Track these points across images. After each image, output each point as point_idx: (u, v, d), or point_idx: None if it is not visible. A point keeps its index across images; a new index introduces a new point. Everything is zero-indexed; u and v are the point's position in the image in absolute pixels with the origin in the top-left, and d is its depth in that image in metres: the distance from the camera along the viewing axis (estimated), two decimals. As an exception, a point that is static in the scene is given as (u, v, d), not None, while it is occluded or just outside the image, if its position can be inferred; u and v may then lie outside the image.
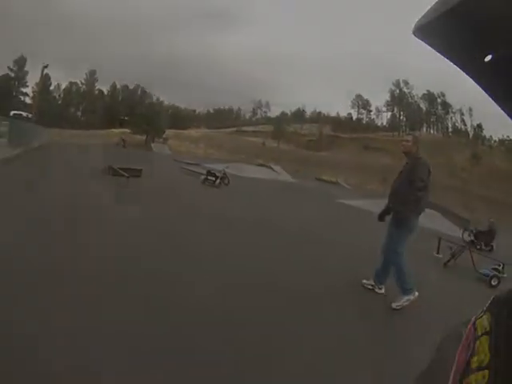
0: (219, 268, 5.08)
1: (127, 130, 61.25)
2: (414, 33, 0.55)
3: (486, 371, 0.51)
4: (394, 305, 4.83)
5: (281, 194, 21.27)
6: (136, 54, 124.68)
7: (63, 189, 9.15)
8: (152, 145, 53.25)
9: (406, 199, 4.79)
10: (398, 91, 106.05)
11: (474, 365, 0.54)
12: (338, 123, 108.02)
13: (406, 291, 4.86)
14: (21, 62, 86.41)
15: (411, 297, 4.84)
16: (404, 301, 4.82)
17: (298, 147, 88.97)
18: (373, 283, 5.27)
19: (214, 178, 17.18)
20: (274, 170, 39.30)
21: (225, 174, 17.98)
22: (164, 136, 62.40)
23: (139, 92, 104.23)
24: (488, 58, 0.54)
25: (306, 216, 12.98)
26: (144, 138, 56.96)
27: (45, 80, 67.21)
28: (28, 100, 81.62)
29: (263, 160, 46.58)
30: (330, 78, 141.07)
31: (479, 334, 0.58)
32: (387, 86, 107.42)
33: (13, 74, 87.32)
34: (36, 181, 9.77)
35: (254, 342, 3.19)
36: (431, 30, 0.55)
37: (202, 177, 17.52)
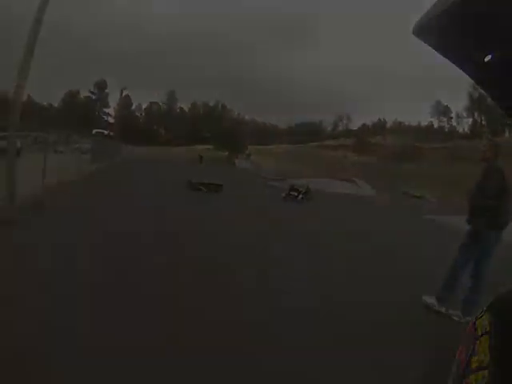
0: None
1: (210, 147, 63.44)
2: (414, 32, 0.53)
3: (486, 371, 0.50)
4: (455, 314, 4.39)
5: (365, 209, 20.76)
6: (217, 70, 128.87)
7: (134, 201, 9.89)
8: (236, 160, 54.66)
9: (481, 211, 4.43)
10: (477, 94, 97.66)
11: (473, 365, 0.54)
12: (420, 132, 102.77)
13: (466, 311, 4.20)
14: (102, 85, 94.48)
15: (463, 317, 4.23)
16: (457, 316, 4.34)
17: (380, 159, 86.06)
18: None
19: (296, 193, 17.40)
20: (357, 185, 38.43)
21: (308, 188, 18.10)
22: (247, 152, 63.63)
23: (219, 108, 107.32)
24: (488, 58, 0.55)
25: (395, 233, 12.56)
26: (226, 153, 58.60)
27: (125, 101, 72.48)
28: (111, 119, 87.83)
29: (346, 174, 45.63)
30: (410, 87, 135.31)
31: (479, 334, 0.57)
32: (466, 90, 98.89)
33: (94, 96, 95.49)
34: (110, 193, 10.65)
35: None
36: (431, 30, 0.53)
37: (284, 192, 17.77)
